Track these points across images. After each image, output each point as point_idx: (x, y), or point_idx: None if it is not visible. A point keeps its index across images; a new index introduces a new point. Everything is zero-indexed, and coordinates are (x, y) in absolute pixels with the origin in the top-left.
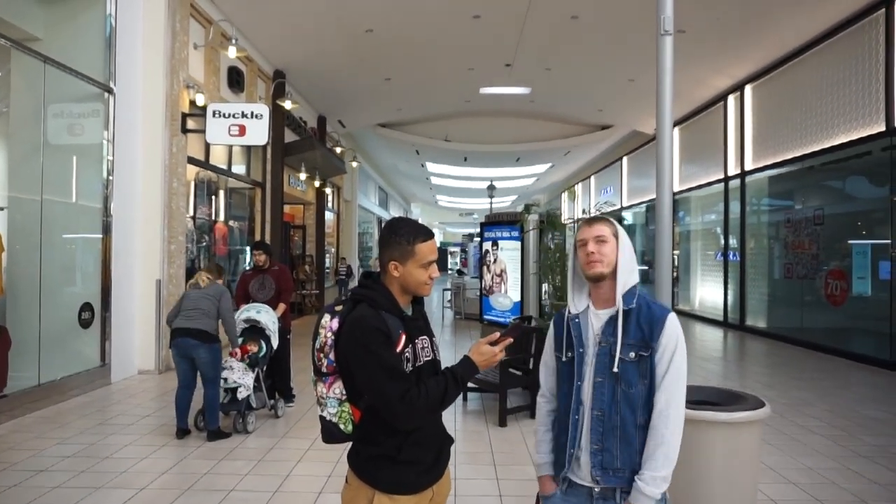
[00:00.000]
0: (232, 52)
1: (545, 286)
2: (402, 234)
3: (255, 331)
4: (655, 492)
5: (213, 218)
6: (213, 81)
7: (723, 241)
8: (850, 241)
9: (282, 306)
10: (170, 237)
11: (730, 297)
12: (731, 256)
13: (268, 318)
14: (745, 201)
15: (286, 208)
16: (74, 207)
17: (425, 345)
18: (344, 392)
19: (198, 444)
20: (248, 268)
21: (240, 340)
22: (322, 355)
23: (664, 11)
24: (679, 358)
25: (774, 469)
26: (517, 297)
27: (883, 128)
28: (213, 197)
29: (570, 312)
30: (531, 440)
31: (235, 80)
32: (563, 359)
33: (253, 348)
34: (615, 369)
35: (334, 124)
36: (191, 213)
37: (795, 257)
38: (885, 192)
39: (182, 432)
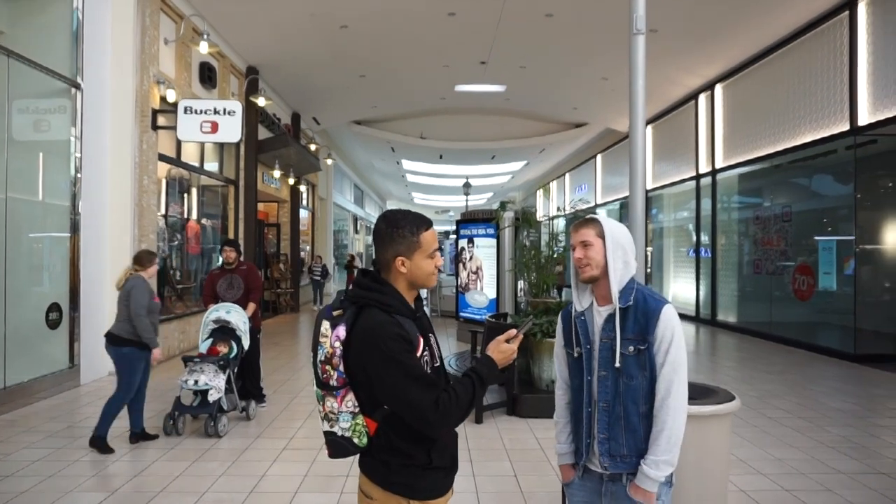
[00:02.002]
0: (203, 48)
1: (521, 283)
2: (404, 227)
3: (225, 331)
4: (659, 475)
5: (186, 216)
6: (185, 77)
7: (695, 238)
8: (817, 238)
9: (251, 306)
10: (140, 236)
11: (702, 293)
12: (702, 253)
13: (238, 318)
14: (717, 198)
15: (260, 206)
16: (41, 205)
17: (434, 343)
18: (356, 404)
19: (170, 447)
20: (217, 266)
21: (209, 342)
22: (330, 368)
23: (637, 10)
24: (675, 348)
25: (744, 460)
26: (493, 295)
27: (847, 127)
28: (186, 195)
29: (575, 310)
30: (507, 437)
31: (207, 76)
32: (574, 354)
33: (223, 349)
34: (617, 364)
35: (309, 121)
36: (162, 211)
37: (764, 253)
38: (849, 190)
39: (97, 440)
